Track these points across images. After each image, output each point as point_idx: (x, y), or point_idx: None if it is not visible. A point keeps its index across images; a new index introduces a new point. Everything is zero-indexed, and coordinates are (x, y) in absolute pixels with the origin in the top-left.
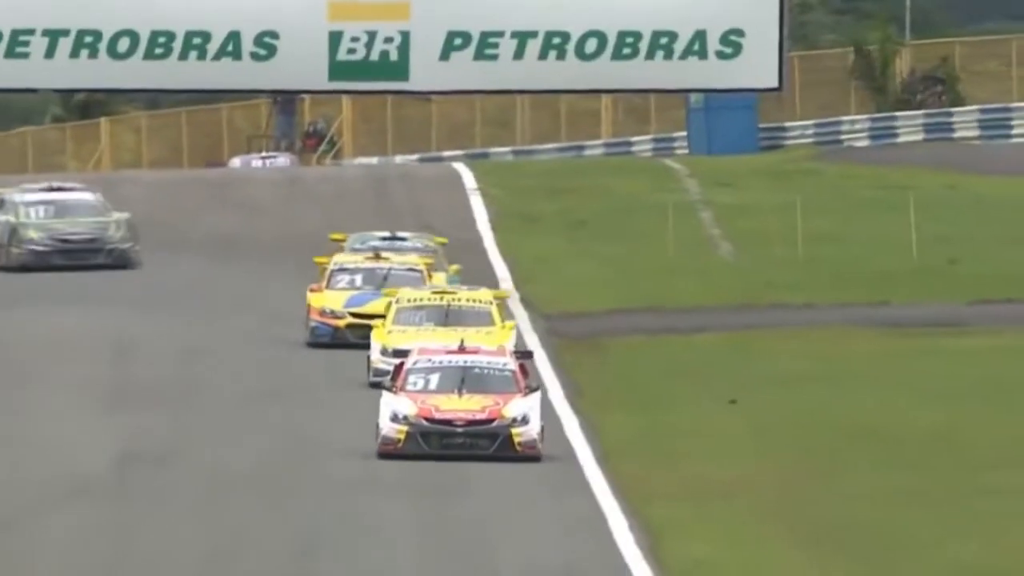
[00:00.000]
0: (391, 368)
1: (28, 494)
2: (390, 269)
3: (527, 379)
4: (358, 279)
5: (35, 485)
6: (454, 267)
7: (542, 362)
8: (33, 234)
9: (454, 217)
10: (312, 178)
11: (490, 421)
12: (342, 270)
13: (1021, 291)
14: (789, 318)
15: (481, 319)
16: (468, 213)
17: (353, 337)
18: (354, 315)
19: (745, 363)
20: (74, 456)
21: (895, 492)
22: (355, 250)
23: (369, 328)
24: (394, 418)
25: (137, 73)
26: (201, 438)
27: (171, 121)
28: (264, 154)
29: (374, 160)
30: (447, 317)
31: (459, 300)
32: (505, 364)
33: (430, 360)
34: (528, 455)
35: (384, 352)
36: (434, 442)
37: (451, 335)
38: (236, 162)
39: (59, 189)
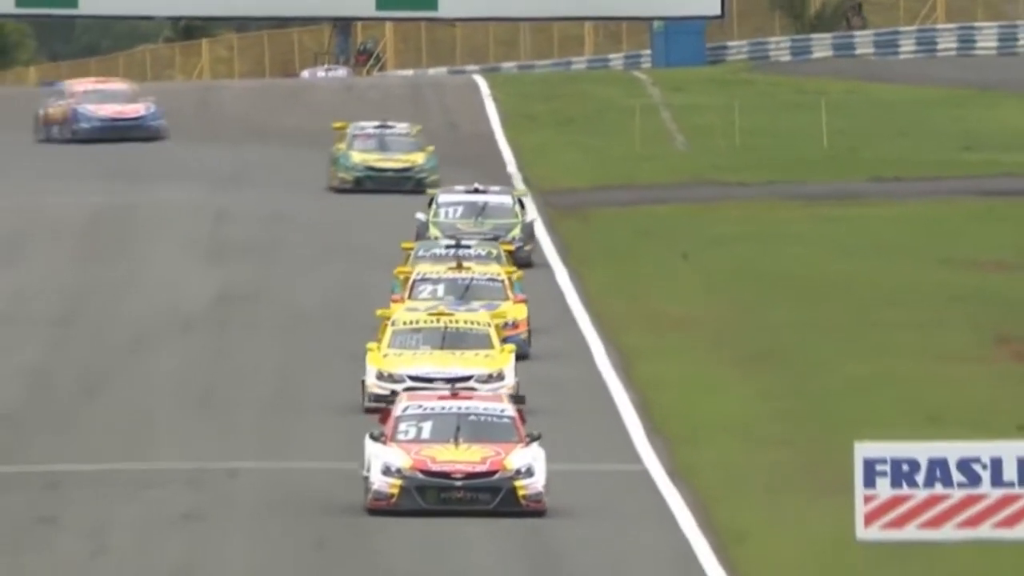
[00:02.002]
0: (387, 392)
1: (146, 325)
2: (472, 279)
3: (524, 425)
4: (440, 289)
5: (152, 318)
6: (518, 274)
7: (539, 229)
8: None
9: (472, 116)
10: (363, 85)
11: (492, 473)
12: (424, 280)
13: (906, 171)
14: (729, 193)
15: (479, 342)
16: (483, 113)
17: None
18: None
19: (694, 227)
20: (181, 296)
21: (808, 325)
22: (420, 257)
23: None
24: (386, 471)
25: (228, 4)
26: (281, 283)
27: (255, 41)
28: (326, 67)
29: (411, 72)
30: (444, 340)
31: (456, 322)
32: (503, 411)
33: (421, 406)
34: (533, 510)
35: (380, 376)
36: (431, 497)
37: (449, 358)
38: (305, 73)
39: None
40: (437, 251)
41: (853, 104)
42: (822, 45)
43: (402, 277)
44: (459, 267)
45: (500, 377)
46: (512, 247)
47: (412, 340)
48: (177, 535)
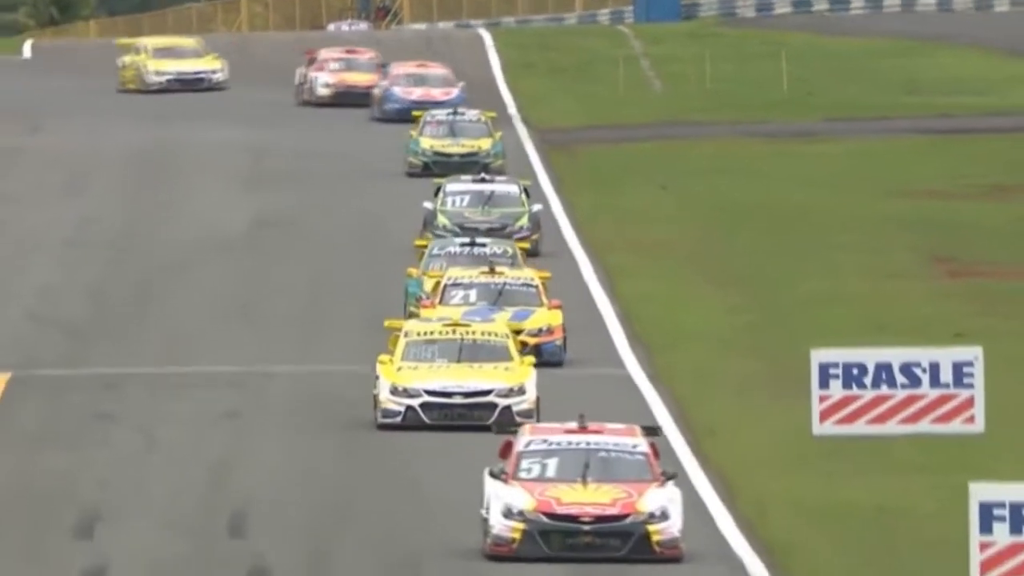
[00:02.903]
0: (402, 408)
1: (192, 247)
2: (505, 284)
3: (659, 461)
4: (472, 295)
5: (197, 241)
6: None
7: (535, 162)
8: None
9: (476, 64)
10: (381, 37)
11: (623, 517)
12: (456, 285)
13: (856, 113)
14: (701, 132)
15: (498, 354)
16: (486, 62)
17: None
18: None
19: (671, 162)
20: (222, 222)
21: (770, 248)
22: (435, 256)
23: None
24: (507, 513)
25: None
26: (312, 211)
27: None
28: (350, 21)
29: (423, 26)
30: (461, 352)
31: (473, 333)
32: (636, 446)
33: (546, 441)
34: (668, 556)
35: (395, 391)
36: (556, 542)
37: (467, 372)
38: (331, 27)
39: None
40: (452, 249)
41: (810, 54)
42: (783, 2)
43: (431, 282)
44: (491, 271)
45: (521, 391)
46: (527, 245)
47: (427, 352)
48: (219, 431)
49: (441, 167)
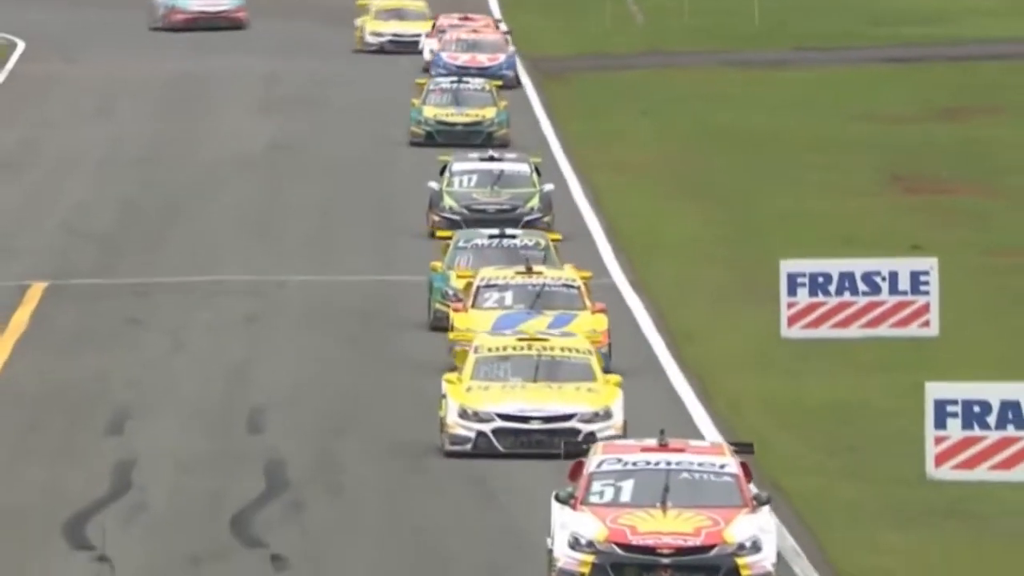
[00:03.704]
0: (472, 434)
1: (214, 166)
2: (544, 285)
3: (750, 483)
4: (508, 297)
5: (218, 161)
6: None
7: (529, 89)
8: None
9: (476, 2)
10: None
11: (708, 548)
12: (490, 286)
13: (823, 43)
14: (680, 61)
15: (579, 373)
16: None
17: None
18: None
19: (653, 89)
20: (238, 143)
21: (746, 168)
22: (460, 249)
23: None
24: (575, 544)
25: None
26: (322, 135)
27: None
28: None
29: None
30: (538, 370)
31: (552, 350)
32: (724, 466)
33: (620, 460)
34: None
35: (464, 415)
36: None
37: (545, 393)
38: None
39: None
40: (480, 241)
41: None
42: None
43: (461, 281)
44: (529, 272)
45: (607, 415)
46: (559, 236)
47: (499, 370)
48: (239, 335)
49: (445, 136)
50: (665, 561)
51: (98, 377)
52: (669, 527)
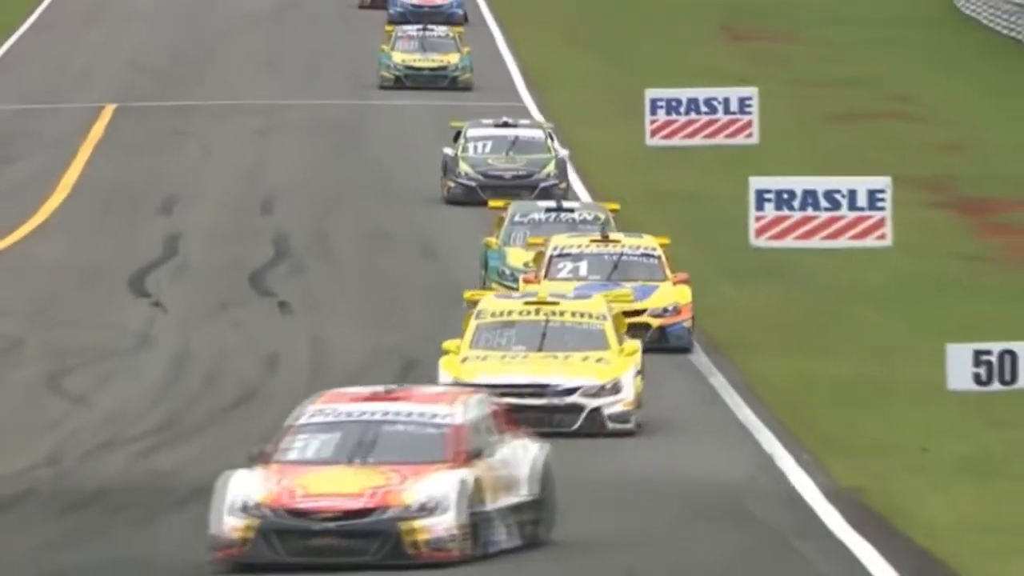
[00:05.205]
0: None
1: (231, 20)
2: (622, 254)
3: (508, 425)
4: (583, 267)
5: (235, 16)
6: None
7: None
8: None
9: None
10: None
11: (368, 512)
12: (563, 255)
13: None
14: None
15: (591, 340)
16: None
17: None
18: None
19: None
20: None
21: (624, 22)
22: (517, 224)
23: None
24: (238, 508)
25: None
26: None
27: None
28: None
29: None
30: (544, 338)
31: (562, 315)
32: (437, 416)
33: (328, 412)
34: (431, 559)
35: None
36: (293, 544)
37: (548, 364)
38: None
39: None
40: (537, 215)
41: None
42: None
43: (523, 254)
44: (605, 240)
45: (615, 390)
46: (617, 206)
47: (502, 338)
48: (254, 142)
49: (412, 79)
50: (317, 527)
51: (152, 173)
52: (337, 487)
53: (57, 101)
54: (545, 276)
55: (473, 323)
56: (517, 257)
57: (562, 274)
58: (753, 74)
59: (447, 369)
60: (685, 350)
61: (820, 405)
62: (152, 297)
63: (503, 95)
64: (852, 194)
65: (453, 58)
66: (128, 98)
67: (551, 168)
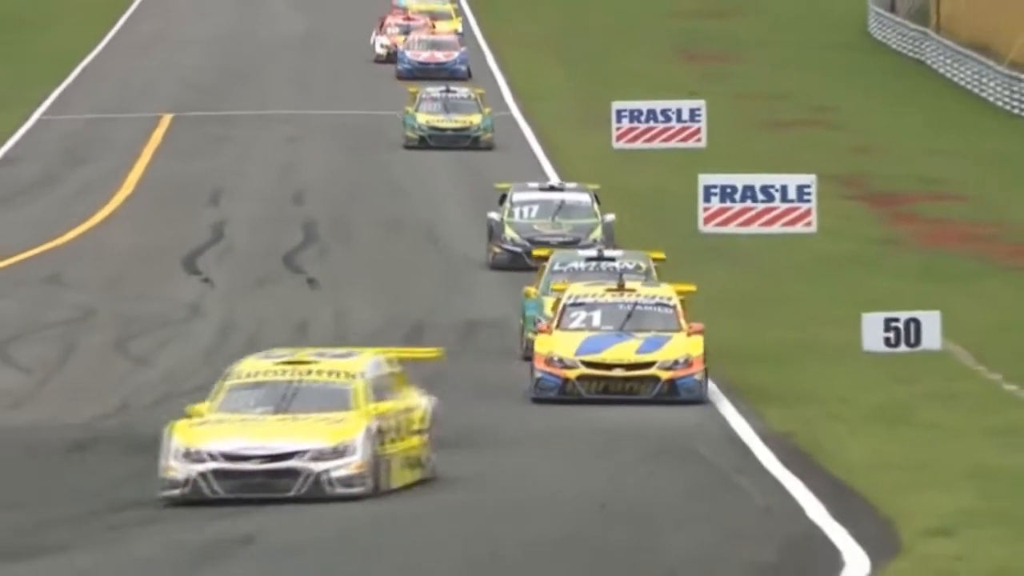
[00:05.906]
0: (188, 477)
1: (264, 46)
2: (636, 304)
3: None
4: (596, 317)
5: (268, 42)
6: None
7: None
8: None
9: None
10: None
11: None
12: (577, 305)
13: None
14: None
15: (334, 401)
16: None
17: (586, 392)
18: (588, 364)
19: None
20: (286, 29)
21: (595, 41)
22: (556, 273)
23: (606, 380)
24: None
25: None
26: (340, 25)
27: None
28: None
29: None
30: (291, 399)
31: (309, 373)
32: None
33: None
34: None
35: (187, 455)
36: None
37: (278, 428)
38: None
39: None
40: (577, 264)
41: None
42: None
43: (549, 302)
44: (621, 289)
45: (342, 453)
46: (663, 256)
47: (251, 400)
48: (286, 146)
49: (436, 140)
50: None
51: (202, 172)
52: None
53: (124, 112)
54: (557, 326)
55: (225, 385)
56: (554, 307)
57: (575, 324)
58: (703, 89)
59: (178, 434)
60: (697, 402)
61: (757, 363)
62: (202, 275)
63: (493, 103)
64: (784, 189)
65: (475, 119)
66: (182, 109)
67: (597, 233)
